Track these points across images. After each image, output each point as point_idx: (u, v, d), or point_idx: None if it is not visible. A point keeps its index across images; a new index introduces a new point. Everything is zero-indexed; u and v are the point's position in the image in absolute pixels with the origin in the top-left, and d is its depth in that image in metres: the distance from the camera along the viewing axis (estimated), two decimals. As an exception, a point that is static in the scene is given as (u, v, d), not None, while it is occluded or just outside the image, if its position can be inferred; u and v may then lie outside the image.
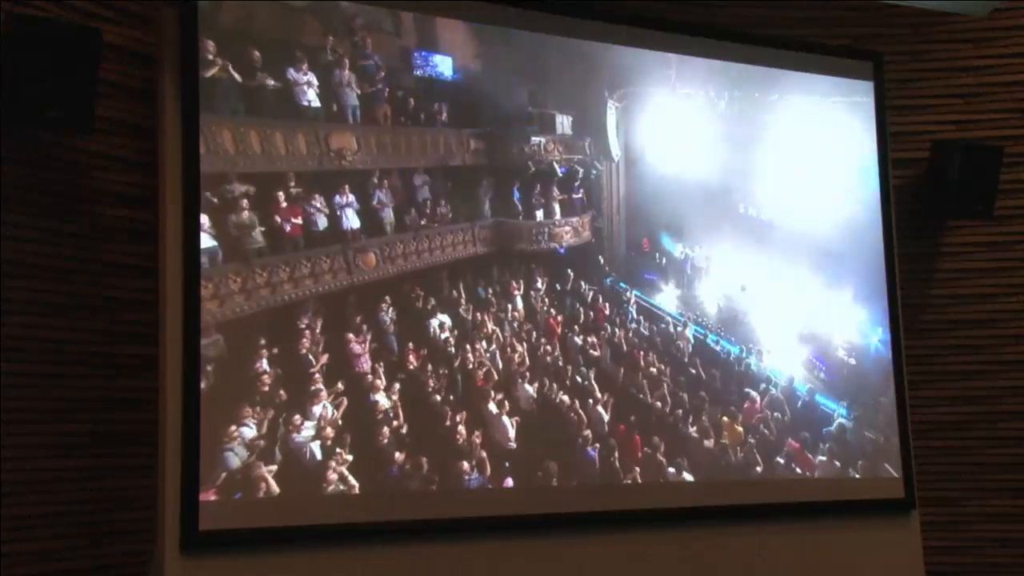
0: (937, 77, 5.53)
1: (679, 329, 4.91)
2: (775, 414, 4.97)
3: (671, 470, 4.69)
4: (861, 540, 5.02)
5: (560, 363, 4.59)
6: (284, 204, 4.10)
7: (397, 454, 4.15)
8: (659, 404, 4.75)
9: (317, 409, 4.02)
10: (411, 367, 4.26)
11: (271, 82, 4.13)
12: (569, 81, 4.81)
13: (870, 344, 5.25)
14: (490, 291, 4.53)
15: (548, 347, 4.58)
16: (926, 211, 5.46)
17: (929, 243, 5.52)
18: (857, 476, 5.07)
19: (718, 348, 4.98)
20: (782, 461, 4.94)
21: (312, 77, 4.21)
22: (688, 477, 4.72)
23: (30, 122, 3.75)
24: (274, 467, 3.90)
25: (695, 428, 4.79)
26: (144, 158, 4.07)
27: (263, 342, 3.97)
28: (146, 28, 4.13)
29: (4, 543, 3.66)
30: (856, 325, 5.24)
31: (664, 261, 4.96)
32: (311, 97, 4.21)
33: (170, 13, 3.96)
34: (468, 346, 4.41)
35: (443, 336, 4.36)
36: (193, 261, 3.85)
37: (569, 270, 4.73)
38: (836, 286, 5.23)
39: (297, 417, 3.98)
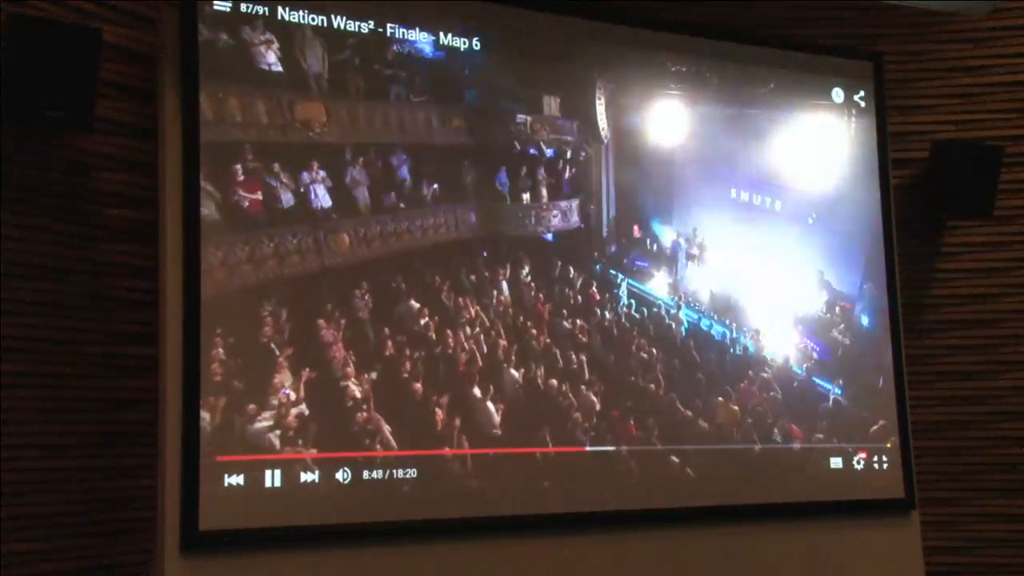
0: (937, 77, 5.53)
1: (672, 312, 4.83)
2: (771, 394, 4.93)
3: (673, 459, 4.64)
4: (861, 540, 5.01)
5: (551, 349, 4.43)
6: (241, 178, 3.81)
7: (375, 444, 3.99)
8: (652, 387, 4.66)
9: (282, 398, 3.84)
10: (388, 354, 4.04)
11: (224, 37, 3.76)
12: (557, 60, 4.64)
13: (864, 325, 5.24)
14: (473, 277, 4.31)
15: (535, 331, 4.43)
16: (926, 211, 5.45)
17: (929, 243, 5.52)
18: (851, 450, 5.04)
19: (712, 332, 4.91)
20: (779, 440, 4.91)
21: (271, 36, 3.85)
22: (688, 468, 4.66)
23: (30, 122, 3.75)
24: (238, 458, 3.77)
25: (690, 410, 4.71)
26: (144, 158, 4.06)
27: (219, 331, 3.78)
28: (146, 28, 4.13)
29: (4, 543, 3.66)
30: (852, 308, 5.22)
31: (655, 247, 4.85)
32: (271, 60, 3.86)
33: (170, 12, 3.95)
34: (450, 332, 4.21)
35: (423, 321, 4.15)
36: (194, 259, 3.81)
37: (557, 256, 4.54)
38: (831, 268, 5.21)
39: (252, 406, 3.80)
